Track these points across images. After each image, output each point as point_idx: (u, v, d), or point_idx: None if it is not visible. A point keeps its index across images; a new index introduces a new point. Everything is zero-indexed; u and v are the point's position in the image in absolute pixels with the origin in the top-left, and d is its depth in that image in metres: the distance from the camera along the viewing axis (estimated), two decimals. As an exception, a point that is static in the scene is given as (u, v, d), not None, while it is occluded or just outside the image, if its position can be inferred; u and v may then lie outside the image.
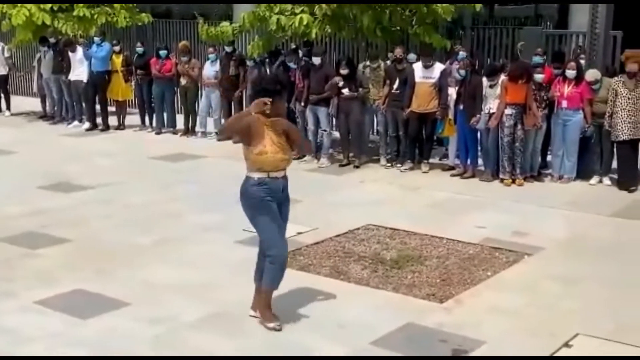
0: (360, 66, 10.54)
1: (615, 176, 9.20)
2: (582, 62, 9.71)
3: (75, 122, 13.45)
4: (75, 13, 13.34)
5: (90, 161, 10.56)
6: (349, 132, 10.47)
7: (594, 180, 9.29)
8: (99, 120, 13.26)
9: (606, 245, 7.05)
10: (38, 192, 8.77)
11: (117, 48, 13.01)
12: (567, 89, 9.15)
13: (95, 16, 13.48)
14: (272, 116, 4.92)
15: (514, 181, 9.29)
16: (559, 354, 4.68)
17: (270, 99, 4.84)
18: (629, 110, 8.77)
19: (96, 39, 12.88)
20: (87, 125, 13.21)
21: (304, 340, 4.87)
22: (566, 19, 15.61)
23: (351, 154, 10.51)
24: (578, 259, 6.57)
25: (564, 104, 9.16)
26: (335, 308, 5.43)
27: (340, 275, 6.14)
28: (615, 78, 9.06)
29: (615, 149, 9.13)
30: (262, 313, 5.08)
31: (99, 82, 12.95)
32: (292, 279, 6.05)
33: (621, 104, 8.80)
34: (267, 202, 4.93)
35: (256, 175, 4.93)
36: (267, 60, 11.49)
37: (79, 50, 12.95)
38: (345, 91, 10.10)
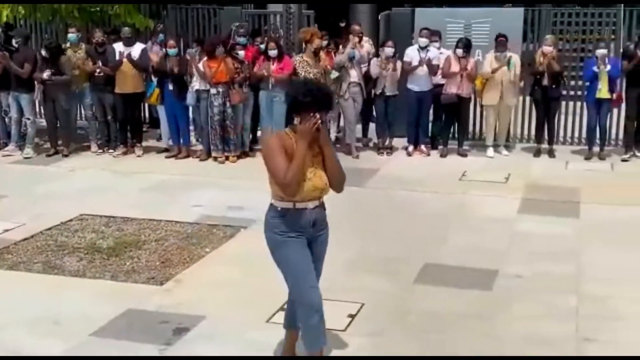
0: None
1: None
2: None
3: None
4: None
5: None
6: (56, 119, 9.96)
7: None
8: None
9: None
10: None
11: None
12: (272, 67, 9.57)
13: None
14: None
15: (227, 158, 9.58)
16: (274, 318, 4.95)
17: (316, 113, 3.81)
18: None
19: None
20: None
21: (18, 342, 4.62)
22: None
23: (59, 142, 10.04)
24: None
25: (271, 81, 9.56)
26: (51, 304, 5.20)
27: (54, 269, 5.90)
28: (298, 58, 9.48)
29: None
30: None
31: None
32: (1, 280, 5.71)
33: None
34: (288, 239, 3.98)
35: (279, 205, 3.96)
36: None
37: None
38: (46, 74, 9.55)
